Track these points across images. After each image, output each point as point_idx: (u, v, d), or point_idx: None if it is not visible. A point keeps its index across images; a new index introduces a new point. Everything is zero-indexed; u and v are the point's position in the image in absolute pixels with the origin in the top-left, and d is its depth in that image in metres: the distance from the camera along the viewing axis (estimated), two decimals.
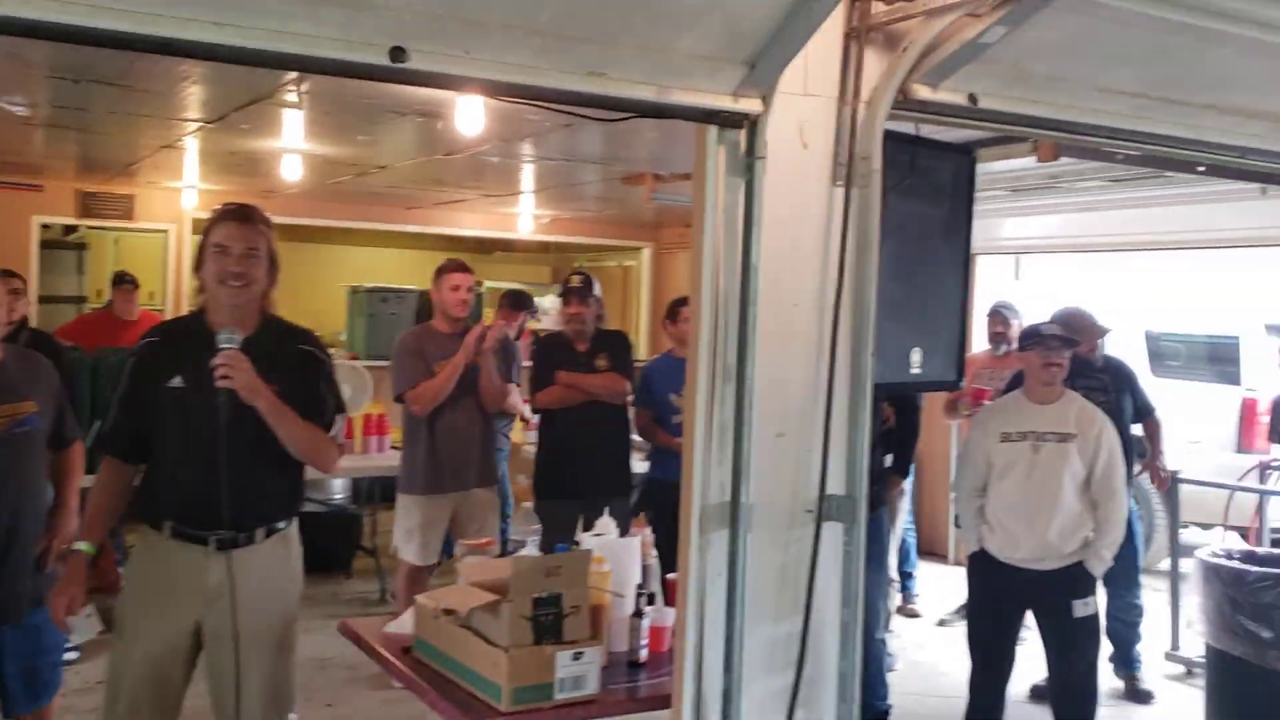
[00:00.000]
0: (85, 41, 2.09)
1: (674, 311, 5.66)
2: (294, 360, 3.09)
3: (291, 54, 2.20)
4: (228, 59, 2.17)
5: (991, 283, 8.13)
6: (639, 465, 6.03)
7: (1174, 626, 6.01)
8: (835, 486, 2.98)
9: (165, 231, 9.48)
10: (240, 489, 2.91)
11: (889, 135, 3.02)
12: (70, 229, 10.09)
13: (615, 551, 3.34)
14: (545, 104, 2.53)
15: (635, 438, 5.75)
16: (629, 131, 5.28)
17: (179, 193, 9.12)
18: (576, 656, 2.85)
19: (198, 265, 3.03)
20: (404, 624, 3.32)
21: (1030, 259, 8.89)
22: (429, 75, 2.29)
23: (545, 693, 2.81)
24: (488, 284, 11.39)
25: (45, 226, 9.44)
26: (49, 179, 9.13)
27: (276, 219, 10.51)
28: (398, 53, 2.21)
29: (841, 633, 3.03)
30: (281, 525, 3.09)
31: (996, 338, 6.41)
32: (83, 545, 3.00)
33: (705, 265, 2.76)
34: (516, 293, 7.61)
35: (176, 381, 2.97)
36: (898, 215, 3.15)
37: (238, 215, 3.03)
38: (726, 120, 2.71)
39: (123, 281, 7.75)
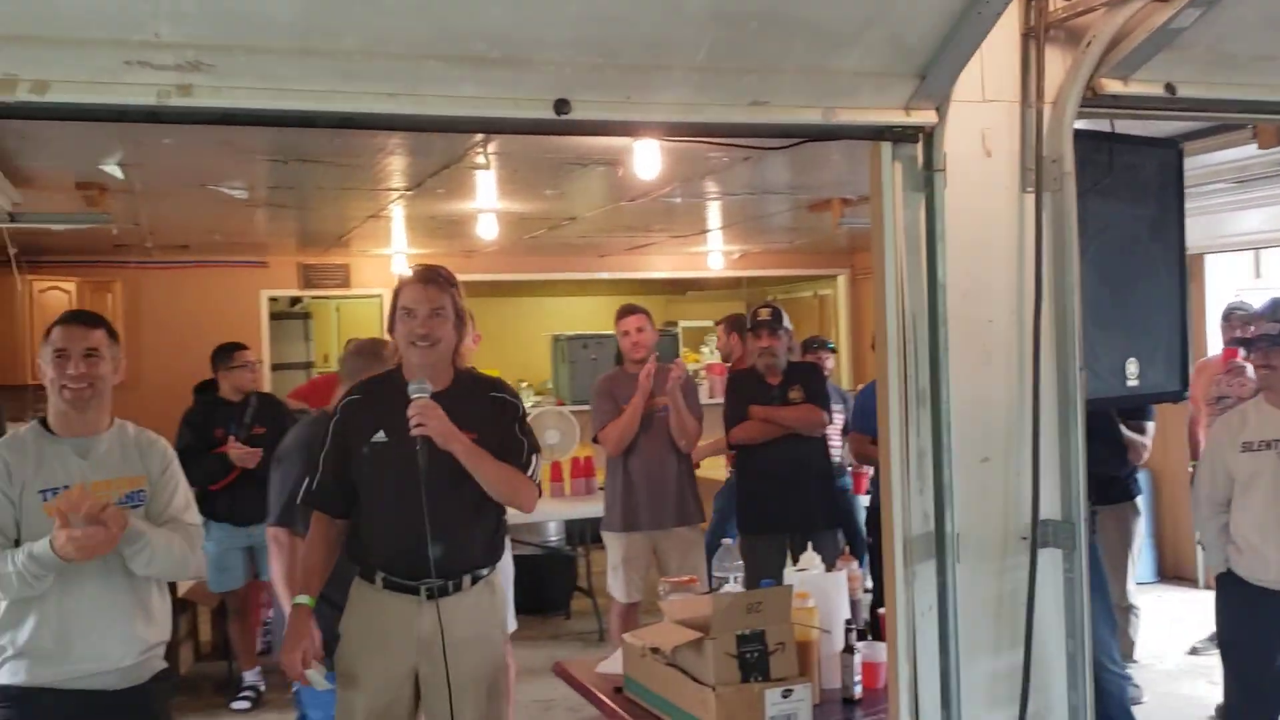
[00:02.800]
0: (273, 123, 2.23)
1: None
2: (487, 408, 3.15)
3: (462, 116, 2.28)
4: (404, 128, 2.26)
5: (1225, 283, 7.57)
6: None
7: None
8: (1049, 511, 2.83)
9: (379, 296, 9.98)
10: (444, 538, 2.98)
11: (1081, 135, 2.88)
12: (295, 300, 10.77)
13: (821, 586, 3.26)
14: (710, 139, 2.52)
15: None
16: (812, 157, 5.24)
17: (389, 259, 9.59)
18: (786, 694, 2.79)
19: (390, 327, 3.15)
20: (615, 663, 3.33)
21: (1273, 254, 8.19)
22: (593, 124, 2.33)
23: None
24: (682, 323, 11.47)
25: (273, 299, 10.12)
26: (272, 255, 9.79)
27: (478, 276, 10.89)
28: (561, 105, 2.25)
29: (1068, 664, 2.87)
30: (485, 572, 3.15)
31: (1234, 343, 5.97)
32: (303, 599, 3.13)
33: (889, 286, 2.69)
34: (735, 316, 7.52)
35: (379, 436, 3.07)
36: (1099, 218, 2.99)
37: (422, 278, 3.13)
38: (900, 135, 2.64)
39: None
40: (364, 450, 3.08)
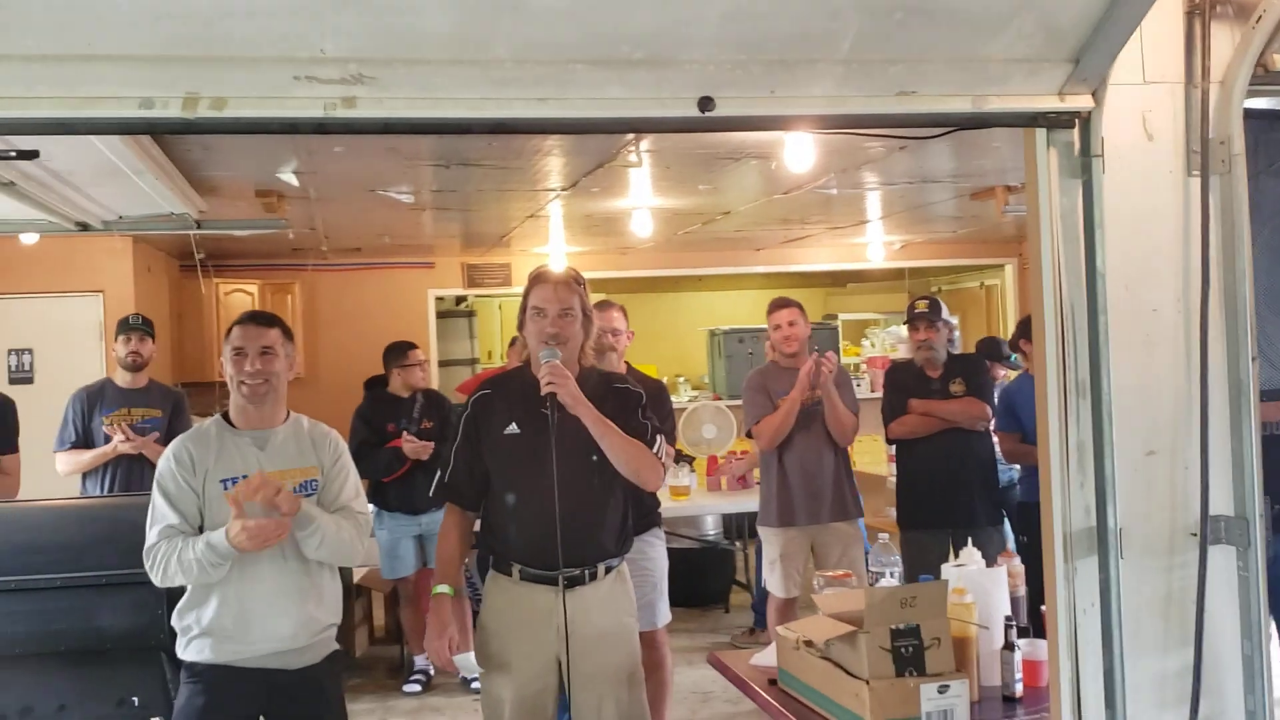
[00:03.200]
0: (431, 131, 2.33)
1: (1024, 330, 5.43)
2: (611, 398, 3.24)
3: (609, 118, 2.33)
4: (554, 130, 2.33)
5: None
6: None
7: None
8: (1221, 507, 2.71)
9: None
10: (576, 528, 3.08)
11: (1252, 114, 2.74)
12: (460, 298, 11.12)
13: (979, 582, 3.21)
14: (857, 131, 2.51)
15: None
16: (974, 144, 5.13)
17: (548, 257, 9.80)
18: (942, 689, 2.76)
19: (520, 325, 3.27)
20: (769, 656, 3.35)
21: None
22: (737, 120, 2.34)
23: None
24: (842, 316, 11.34)
25: (439, 298, 10.48)
26: (438, 256, 10.14)
27: (633, 273, 11.04)
28: (705, 102, 2.28)
29: (1244, 667, 2.74)
30: (616, 563, 3.24)
31: None
32: (443, 588, 3.23)
33: (1045, 275, 2.63)
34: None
35: (512, 429, 3.19)
36: (1274, 201, 2.85)
37: (562, 281, 3.23)
38: (1054, 121, 2.57)
39: (515, 342, 8.45)
40: (496, 443, 3.18)
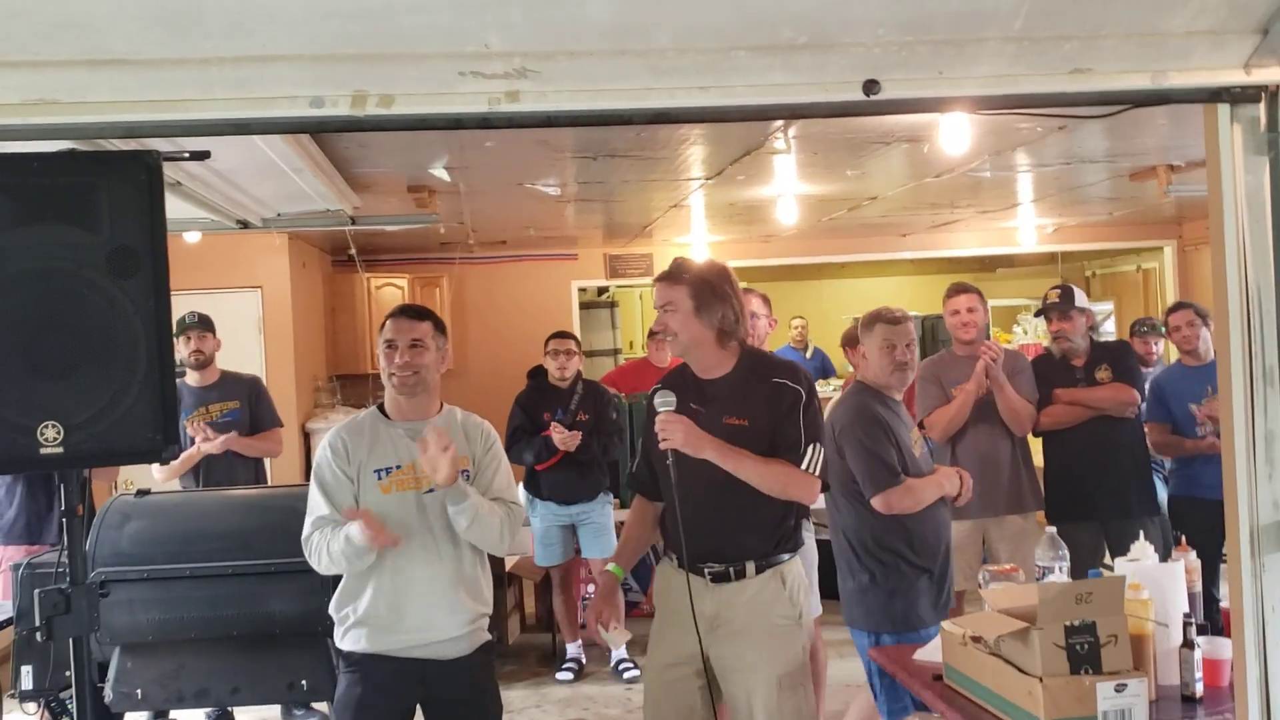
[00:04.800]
0: (592, 123, 2.34)
1: (1165, 320, 5.23)
2: (765, 393, 3.13)
3: (771, 104, 2.29)
4: (714, 119, 2.31)
5: None
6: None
7: None
8: None
9: None
10: (714, 527, 3.07)
11: None
12: (602, 289, 11.21)
13: (1155, 578, 3.07)
14: (1026, 110, 2.42)
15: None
16: (1133, 123, 4.93)
17: (689, 248, 9.80)
18: (1119, 688, 2.65)
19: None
20: (932, 651, 3.28)
21: None
22: (904, 103, 2.28)
23: None
24: (992, 302, 11.02)
25: (582, 289, 10.59)
26: (581, 248, 10.25)
27: (776, 261, 10.97)
28: (870, 86, 2.23)
29: None
30: (769, 561, 3.14)
31: None
32: (612, 568, 3.29)
33: (1229, 258, 2.49)
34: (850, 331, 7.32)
35: None
36: None
37: (663, 277, 3.22)
38: (1239, 96, 2.43)
39: (655, 334, 8.47)
40: (651, 439, 3.18)
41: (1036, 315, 5.44)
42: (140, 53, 2.20)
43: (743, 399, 3.12)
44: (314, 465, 3.21)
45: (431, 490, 3.09)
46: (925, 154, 5.62)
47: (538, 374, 6.08)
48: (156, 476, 5.26)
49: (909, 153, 5.64)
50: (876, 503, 3.64)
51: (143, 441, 2.52)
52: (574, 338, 6.21)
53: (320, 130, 3.10)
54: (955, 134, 4.76)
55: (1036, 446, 5.21)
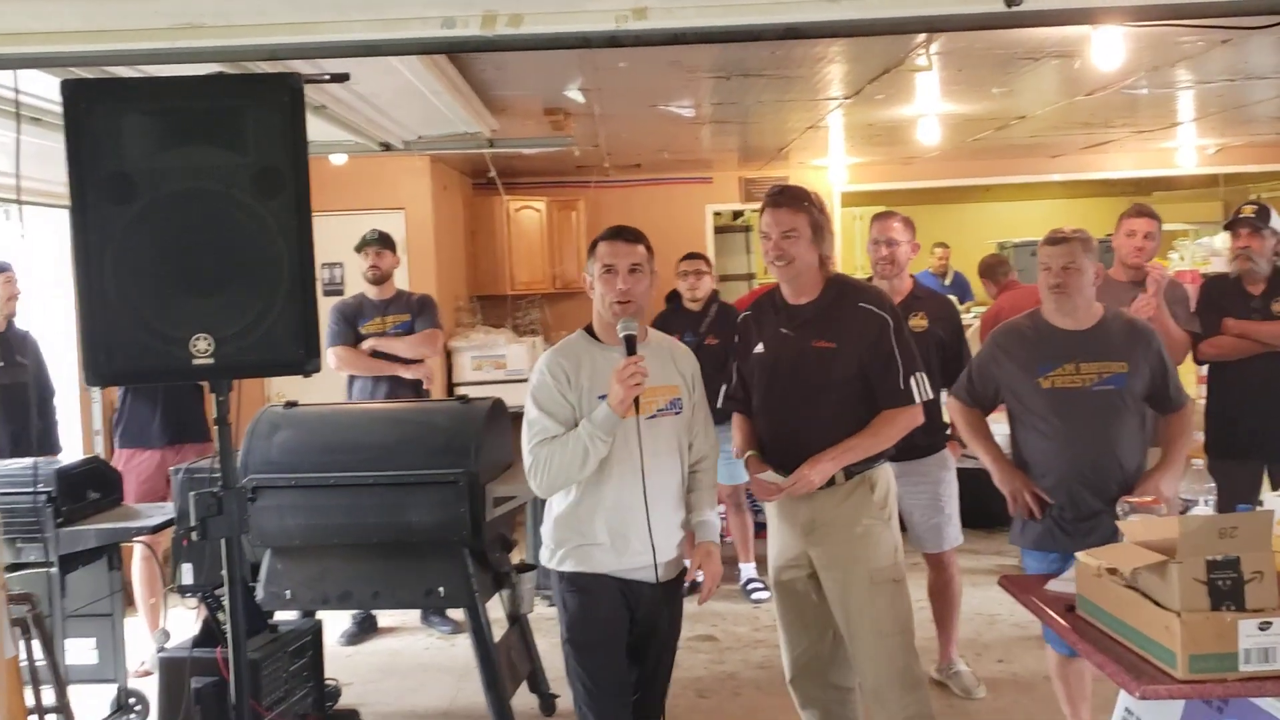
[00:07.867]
0: (721, 40, 2.31)
1: None
2: (853, 319, 3.23)
3: (907, 17, 2.22)
4: (847, 34, 2.25)
5: None
6: None
7: None
8: None
9: None
10: (804, 441, 3.22)
11: None
12: (737, 214, 11.11)
13: None
14: (1186, 21, 2.29)
15: None
16: None
17: (825, 170, 9.61)
18: (1263, 626, 2.55)
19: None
20: (1067, 581, 3.21)
21: None
22: (1049, 14, 2.19)
23: (1228, 663, 2.55)
24: None
25: (716, 213, 10.52)
26: (715, 170, 10.15)
27: (917, 184, 10.65)
28: None
29: None
30: (859, 469, 3.28)
31: None
32: (750, 452, 3.41)
33: None
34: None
35: (759, 349, 3.36)
36: None
37: (771, 202, 3.27)
38: None
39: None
40: (748, 361, 3.39)
41: (1226, 228, 5.10)
42: None
43: (831, 323, 3.25)
44: (532, 390, 3.15)
45: (653, 416, 3.09)
46: (1077, 70, 5.36)
47: (674, 298, 6.07)
48: (332, 364, 5.51)
49: (1059, 69, 5.39)
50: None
51: (287, 354, 2.63)
52: (704, 257, 6.15)
53: (451, 50, 3.12)
54: (1109, 48, 4.51)
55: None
